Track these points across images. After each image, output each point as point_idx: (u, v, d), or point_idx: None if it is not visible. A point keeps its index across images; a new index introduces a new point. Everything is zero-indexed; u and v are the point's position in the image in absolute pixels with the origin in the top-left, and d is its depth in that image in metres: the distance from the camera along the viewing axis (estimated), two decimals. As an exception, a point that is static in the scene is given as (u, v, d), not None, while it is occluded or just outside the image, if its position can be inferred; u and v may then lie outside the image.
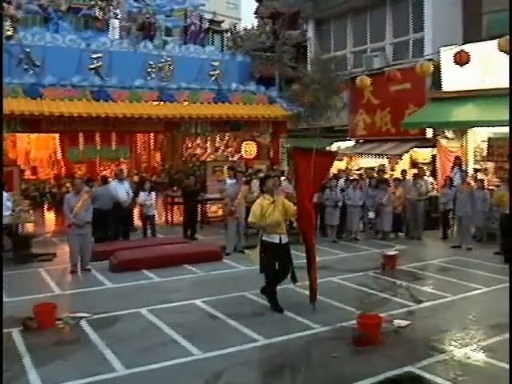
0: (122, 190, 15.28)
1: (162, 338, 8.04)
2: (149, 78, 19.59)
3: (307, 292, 9.49)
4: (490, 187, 16.41)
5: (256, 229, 9.41)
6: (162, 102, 18.80)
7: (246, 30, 33.22)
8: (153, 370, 6.92)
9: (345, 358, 7.22)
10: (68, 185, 16.66)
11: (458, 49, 14.42)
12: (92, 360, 7.22)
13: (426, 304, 9.76)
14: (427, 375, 6.69)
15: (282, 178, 17.21)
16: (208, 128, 19.79)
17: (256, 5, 32.71)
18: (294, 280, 9.45)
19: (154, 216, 16.10)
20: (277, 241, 9.25)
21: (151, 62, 19.81)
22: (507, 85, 16.79)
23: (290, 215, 9.66)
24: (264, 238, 9.32)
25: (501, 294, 10.50)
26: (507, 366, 6.90)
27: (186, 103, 19.22)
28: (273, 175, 16.39)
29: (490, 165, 18.40)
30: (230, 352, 7.45)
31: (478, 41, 17.21)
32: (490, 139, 17.91)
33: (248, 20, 47.70)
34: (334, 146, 24.19)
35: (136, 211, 16.95)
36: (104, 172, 19.72)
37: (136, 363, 7.06)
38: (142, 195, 15.66)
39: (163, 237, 16.05)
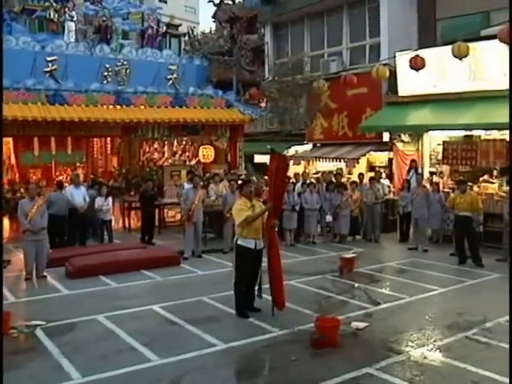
0: (78, 196, 15.07)
1: (120, 344, 7.94)
2: (105, 81, 19.41)
3: (266, 296, 9.49)
4: (445, 190, 16.71)
5: (251, 220, 9.01)
6: (118, 106, 18.63)
7: (203, 33, 33.23)
8: (110, 377, 6.82)
9: (303, 361, 7.24)
10: (22, 190, 16.33)
11: (413, 54, 14.70)
12: (48, 369, 7.09)
13: (384, 306, 9.86)
14: (385, 376, 6.76)
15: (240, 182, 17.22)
16: (165, 132, 19.70)
17: (214, 9, 32.72)
18: (259, 294, 9.36)
19: (110, 221, 15.93)
20: (252, 246, 9.09)
21: (108, 66, 19.63)
22: (461, 89, 17.25)
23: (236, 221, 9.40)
24: (239, 242, 9.14)
25: (456, 295, 10.75)
26: (462, 365, 7.06)
27: (142, 107, 19.07)
28: (230, 179, 16.49)
29: (445, 168, 18.76)
30: (188, 357, 7.39)
31: (432, 46, 17.55)
32: (444, 143, 18.25)
33: (206, 24, 47.76)
34: (292, 150, 24.38)
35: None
36: (60, 177, 19.41)
37: (93, 371, 6.94)
38: (99, 200, 15.48)
39: (120, 242, 15.87)
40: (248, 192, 9.44)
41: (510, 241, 12.52)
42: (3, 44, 15.29)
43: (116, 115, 18.08)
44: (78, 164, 20.06)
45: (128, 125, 18.48)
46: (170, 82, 20.79)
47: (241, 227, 9.12)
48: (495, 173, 17.00)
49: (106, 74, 19.57)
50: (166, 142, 21.67)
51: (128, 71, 19.93)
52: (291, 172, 22.45)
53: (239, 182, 17.04)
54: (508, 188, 15.31)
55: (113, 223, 16.44)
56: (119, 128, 18.61)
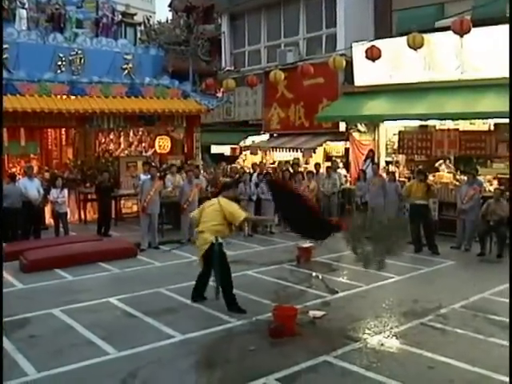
0: (31, 188, 14.79)
1: (76, 338, 7.83)
2: (59, 71, 18.96)
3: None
4: (402, 179, 16.92)
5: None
6: (73, 96, 18.30)
7: (159, 23, 32.83)
8: (66, 371, 6.73)
9: (261, 351, 7.27)
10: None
11: (369, 44, 14.80)
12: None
13: (341, 294, 9.98)
14: (343, 364, 6.83)
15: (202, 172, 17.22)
16: (121, 123, 19.42)
17: (170, -2, 32.43)
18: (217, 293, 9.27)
19: (66, 214, 15.68)
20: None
21: (61, 55, 19.17)
22: (416, 79, 17.47)
23: (234, 219, 9.12)
24: (222, 241, 9.02)
25: (411, 282, 10.96)
26: (418, 351, 7.20)
27: (98, 97, 18.78)
28: (186, 170, 16.43)
29: (401, 157, 18.98)
30: (145, 350, 7.35)
31: (388, 37, 17.71)
32: (400, 132, 18.47)
33: (162, 13, 47.18)
34: (249, 140, 24.37)
35: (47, 209, 16.44)
36: (13, 169, 18.98)
37: (48, 366, 6.84)
38: (54, 192, 15.23)
39: (76, 234, 15.65)
40: (230, 196, 9.47)
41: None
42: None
43: (70, 105, 17.76)
44: (31, 155, 19.66)
45: (83, 115, 18.17)
46: (126, 71, 20.47)
47: (225, 226, 9.07)
48: (448, 162, 17.27)
49: (59, 63, 19.12)
50: (121, 133, 21.39)
51: (82, 60, 19.53)
52: (248, 162, 22.57)
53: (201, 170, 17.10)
54: (463, 177, 15.62)
55: (68, 215, 16.19)
56: (74, 119, 18.29)
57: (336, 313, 8.89)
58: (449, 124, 17.47)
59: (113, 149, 21.27)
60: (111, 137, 21.38)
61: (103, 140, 21.31)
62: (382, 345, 7.51)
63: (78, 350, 7.40)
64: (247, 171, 18.05)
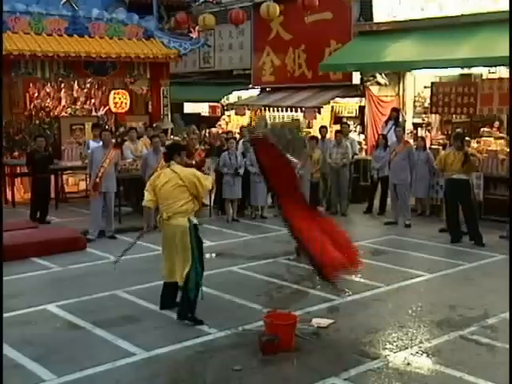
0: None
1: (1, 360, 7.81)
2: (-36, -7, 18.69)
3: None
4: (434, 146, 16.92)
5: None
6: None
7: None
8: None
9: (250, 371, 7.27)
10: None
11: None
12: None
13: (354, 297, 10.02)
14: (355, 388, 6.88)
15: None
16: (61, 71, 19.24)
17: None
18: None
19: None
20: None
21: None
22: (458, 12, 17.34)
23: (203, 189, 9.20)
24: (196, 221, 9.01)
25: (447, 282, 11.00)
26: (457, 374, 7.18)
27: (26, 34, 18.50)
28: (152, 135, 16.39)
29: (434, 118, 18.99)
30: (96, 372, 7.30)
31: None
32: (433, 85, 18.41)
33: None
34: (233, 96, 24.33)
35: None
36: None
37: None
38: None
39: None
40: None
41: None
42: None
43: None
44: None
45: (5, 59, 17.81)
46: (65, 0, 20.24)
47: (193, 201, 9.02)
48: (497, 124, 17.25)
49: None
50: (62, 85, 21.28)
51: (-1, -20, 19.21)
52: (234, 126, 22.51)
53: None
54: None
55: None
56: (-8, 64, 18.16)
57: (347, 321, 8.93)
58: (501, 72, 17.35)
59: (50, 106, 21.16)
60: (48, 90, 21.22)
61: (36, 94, 21.15)
62: (409, 364, 7.53)
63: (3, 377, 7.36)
64: (232, 137, 18.04)
